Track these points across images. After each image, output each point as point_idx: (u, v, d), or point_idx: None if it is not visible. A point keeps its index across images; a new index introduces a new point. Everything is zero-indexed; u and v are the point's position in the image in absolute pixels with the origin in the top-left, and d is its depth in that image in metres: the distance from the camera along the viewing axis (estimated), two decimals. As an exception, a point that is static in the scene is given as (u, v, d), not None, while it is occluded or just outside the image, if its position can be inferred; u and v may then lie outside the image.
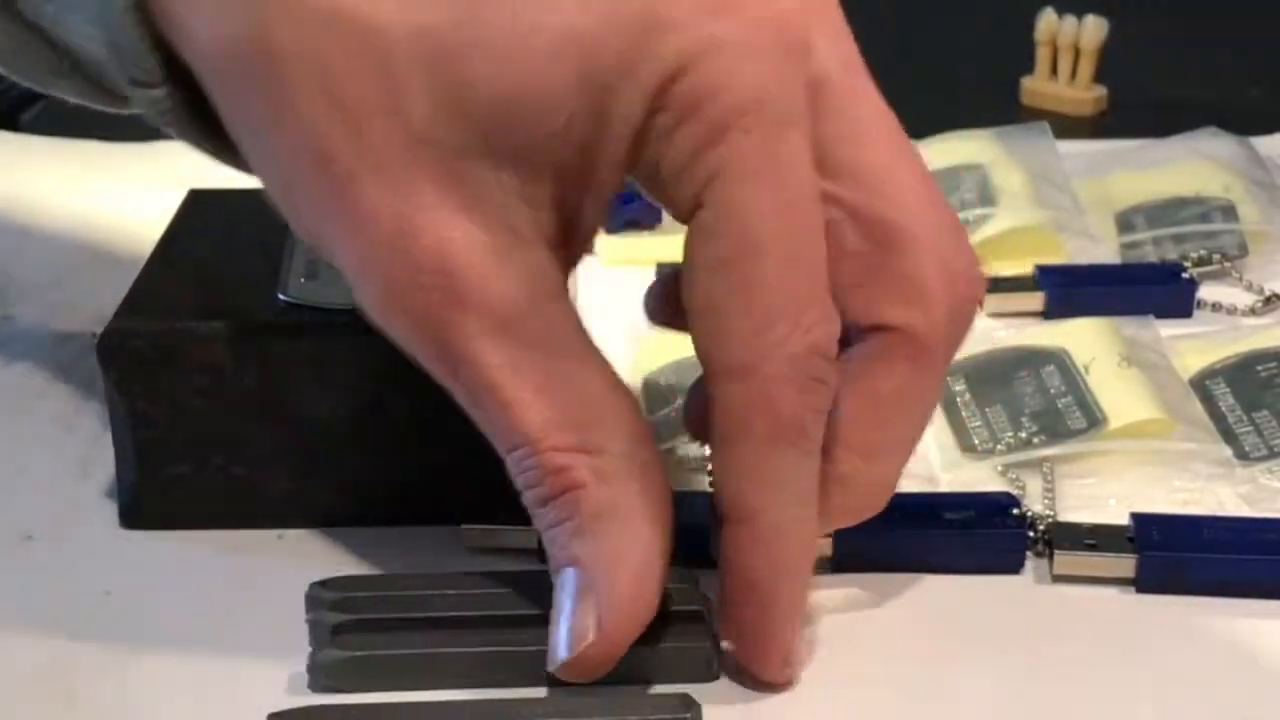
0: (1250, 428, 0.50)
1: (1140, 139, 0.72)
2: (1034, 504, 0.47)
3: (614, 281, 0.61)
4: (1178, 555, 0.44)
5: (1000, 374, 0.53)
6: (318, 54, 0.35)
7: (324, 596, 0.41)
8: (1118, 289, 0.59)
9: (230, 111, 0.37)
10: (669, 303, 0.41)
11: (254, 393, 0.45)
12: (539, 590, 0.41)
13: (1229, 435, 0.50)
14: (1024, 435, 0.50)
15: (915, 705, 0.40)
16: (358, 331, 0.45)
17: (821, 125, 0.38)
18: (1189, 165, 0.68)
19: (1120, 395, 0.50)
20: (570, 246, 0.38)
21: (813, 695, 0.40)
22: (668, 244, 0.65)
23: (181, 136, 0.40)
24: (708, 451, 0.49)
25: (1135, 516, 0.45)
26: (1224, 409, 0.51)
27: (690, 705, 0.38)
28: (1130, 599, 0.44)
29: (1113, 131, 0.76)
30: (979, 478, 0.49)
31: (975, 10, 0.93)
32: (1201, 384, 0.53)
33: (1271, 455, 0.49)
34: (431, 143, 0.36)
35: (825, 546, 0.45)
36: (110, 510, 0.47)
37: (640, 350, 0.56)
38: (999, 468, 0.49)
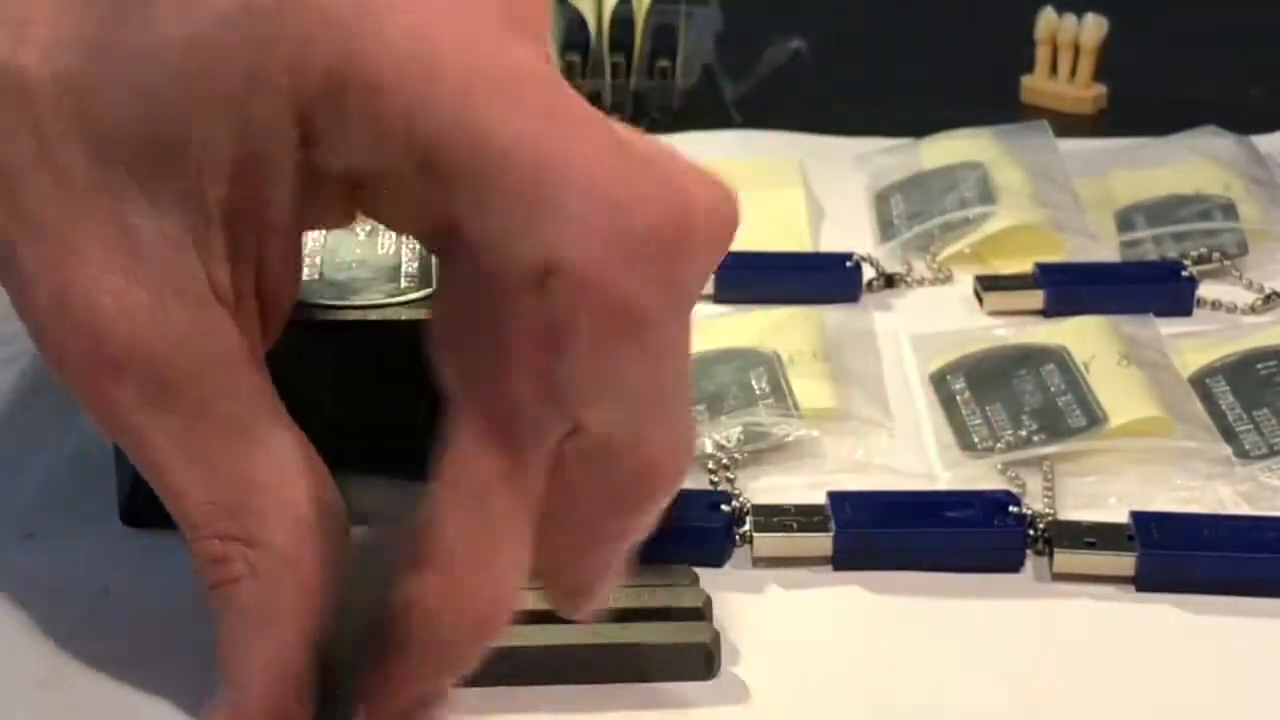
0: (1250, 426, 0.50)
1: (1140, 137, 0.72)
2: (1034, 502, 0.47)
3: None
4: (1177, 554, 0.44)
5: (1000, 372, 0.53)
6: None
7: (324, 594, 0.41)
8: (1118, 287, 0.59)
9: None
10: None
11: (254, 391, 0.45)
12: (536, 587, 0.41)
13: (1229, 434, 0.50)
14: (1024, 433, 0.50)
15: (915, 703, 0.40)
16: (357, 329, 0.45)
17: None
18: (1189, 164, 0.68)
19: (1120, 393, 0.50)
20: (265, 302, 0.36)
21: (813, 693, 0.40)
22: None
23: None
24: (709, 451, 0.49)
25: (1135, 515, 0.45)
26: (1224, 407, 0.51)
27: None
28: (1130, 597, 0.44)
29: (1113, 130, 0.76)
30: (979, 476, 0.49)
31: (975, 9, 0.93)
32: (1201, 382, 0.53)
33: (1271, 453, 0.49)
34: (97, 194, 0.33)
35: (826, 546, 0.45)
36: (110, 508, 0.47)
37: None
38: (999, 466, 0.49)
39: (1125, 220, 0.65)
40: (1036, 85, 0.81)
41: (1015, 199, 0.64)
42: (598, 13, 0.77)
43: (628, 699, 0.40)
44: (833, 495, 0.46)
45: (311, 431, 0.45)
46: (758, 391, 0.51)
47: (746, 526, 0.45)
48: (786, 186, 0.69)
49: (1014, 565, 0.45)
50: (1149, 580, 0.44)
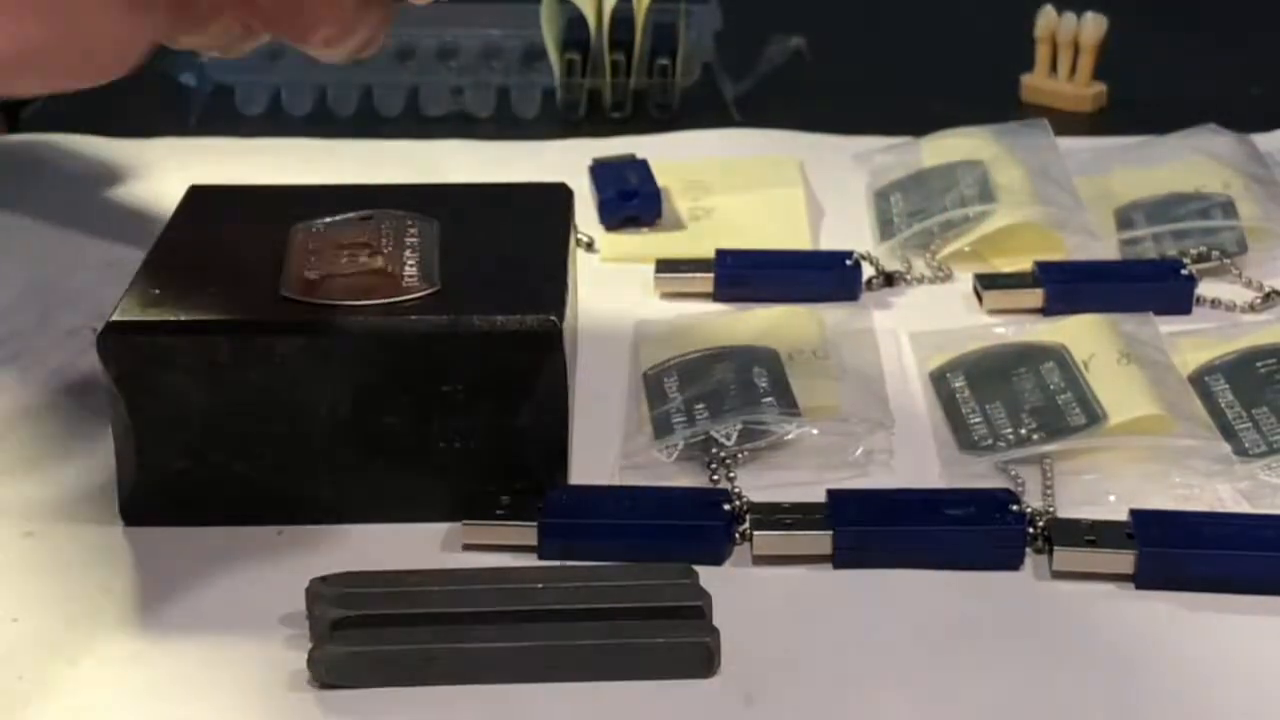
0: (1249, 424, 0.50)
1: (1140, 135, 0.72)
2: (1034, 500, 0.47)
3: (613, 277, 0.61)
4: (1177, 551, 0.44)
5: (1000, 370, 0.53)
6: None
7: (324, 592, 0.41)
8: (1117, 285, 0.59)
9: None
10: None
11: (254, 389, 0.45)
12: (536, 586, 0.41)
13: (1228, 432, 0.50)
14: (1024, 432, 0.50)
15: (915, 700, 0.40)
16: (358, 328, 0.45)
17: None
18: (1188, 162, 0.68)
19: (1120, 392, 0.50)
20: None
21: (813, 691, 0.40)
22: (666, 240, 0.65)
23: None
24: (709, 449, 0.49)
25: (1134, 512, 0.45)
26: (1223, 405, 0.51)
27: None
28: (1129, 594, 0.44)
29: (1112, 128, 0.76)
30: (978, 474, 0.49)
31: (975, 8, 0.93)
32: (1201, 380, 0.53)
33: (1270, 451, 0.49)
34: None
35: (825, 544, 0.45)
36: (110, 506, 0.47)
37: (639, 346, 0.56)
38: (999, 464, 0.49)
39: (1125, 218, 0.65)
40: (1036, 84, 0.81)
41: (1015, 197, 0.64)
42: (598, 11, 0.77)
43: (628, 697, 0.40)
44: (832, 493, 0.46)
45: (313, 434, 0.45)
46: (758, 389, 0.51)
47: (746, 525, 0.45)
48: (786, 185, 0.69)
49: (1014, 563, 0.45)
50: (1148, 578, 0.44)
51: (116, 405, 0.45)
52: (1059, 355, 0.53)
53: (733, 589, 0.43)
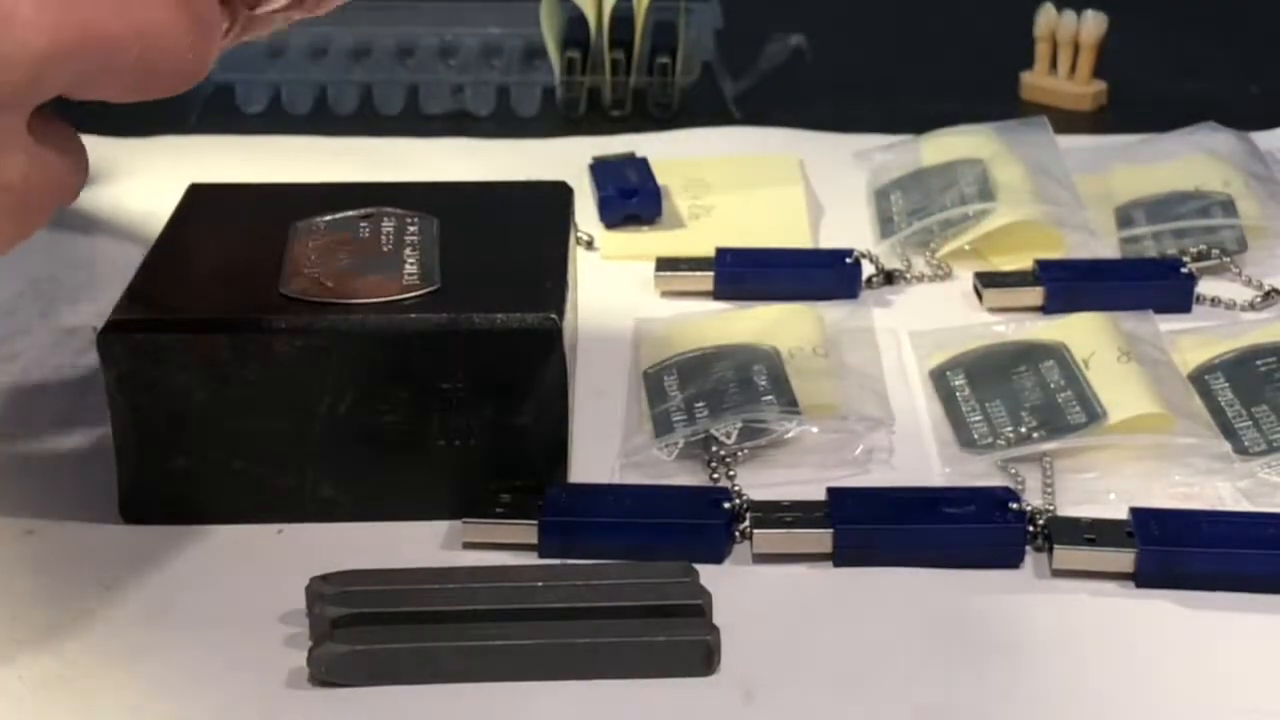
0: (1249, 422, 0.50)
1: (1140, 134, 0.72)
2: (1033, 498, 0.47)
3: (613, 275, 0.61)
4: (1177, 550, 0.44)
5: (1000, 369, 0.53)
6: None
7: (324, 590, 0.41)
8: (1117, 284, 0.59)
9: None
10: None
11: (254, 387, 0.45)
12: (536, 585, 0.41)
13: (1228, 430, 0.50)
14: (1024, 430, 0.50)
15: (914, 698, 0.40)
16: (358, 327, 0.45)
17: None
18: (1188, 160, 0.68)
19: (1120, 390, 0.50)
20: None
21: (813, 689, 0.40)
22: (666, 238, 0.65)
23: None
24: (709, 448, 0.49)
25: (1134, 511, 0.45)
26: (1223, 404, 0.51)
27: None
28: (1129, 593, 0.44)
29: (1112, 126, 0.76)
30: (978, 472, 0.49)
31: (975, 6, 0.93)
32: (1201, 379, 0.53)
33: (1270, 450, 0.49)
34: None
35: (825, 542, 0.45)
36: (110, 504, 0.47)
37: (639, 345, 0.56)
38: (998, 462, 0.49)
39: (1125, 216, 0.65)
40: (1036, 81, 0.81)
41: (1015, 195, 0.64)
42: (598, 10, 0.77)
43: (627, 695, 0.40)
44: (832, 491, 0.46)
45: (313, 433, 0.45)
46: (758, 388, 0.51)
47: (746, 523, 0.45)
48: (786, 183, 0.69)
49: (1014, 561, 0.45)
50: (1148, 576, 0.44)
51: (116, 404, 0.45)
52: (1059, 353, 0.53)
53: (733, 587, 0.43)
